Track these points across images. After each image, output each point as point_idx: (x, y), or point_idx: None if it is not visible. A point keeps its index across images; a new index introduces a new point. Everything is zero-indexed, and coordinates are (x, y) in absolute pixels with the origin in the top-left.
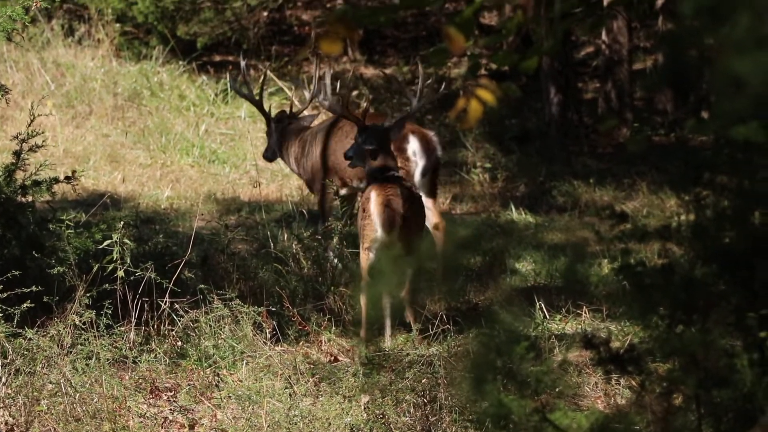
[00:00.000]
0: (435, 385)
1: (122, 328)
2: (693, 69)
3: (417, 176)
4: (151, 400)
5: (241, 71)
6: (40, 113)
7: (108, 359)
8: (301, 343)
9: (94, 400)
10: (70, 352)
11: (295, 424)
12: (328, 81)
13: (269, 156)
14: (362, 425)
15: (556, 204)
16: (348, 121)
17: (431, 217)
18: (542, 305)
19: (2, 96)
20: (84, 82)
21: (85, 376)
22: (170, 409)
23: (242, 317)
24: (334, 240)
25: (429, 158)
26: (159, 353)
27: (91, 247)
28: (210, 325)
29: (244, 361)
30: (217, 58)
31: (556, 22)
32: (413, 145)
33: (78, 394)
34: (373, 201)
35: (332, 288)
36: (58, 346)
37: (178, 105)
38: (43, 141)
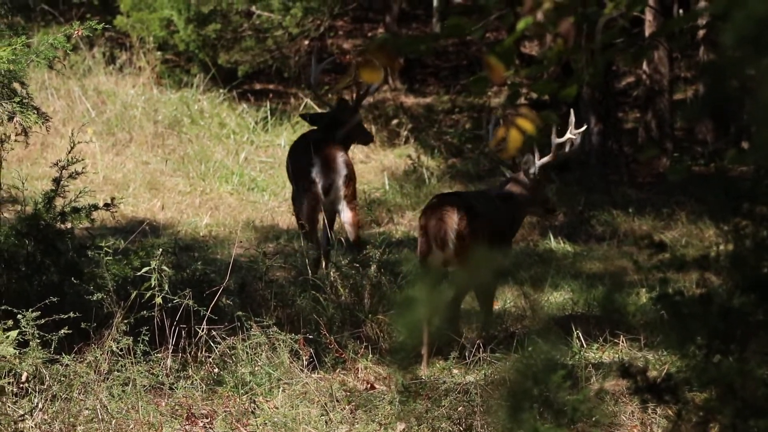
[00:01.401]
0: (471, 413)
1: (159, 355)
2: (734, 99)
3: (321, 194)
4: (187, 427)
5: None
6: (80, 140)
7: (144, 386)
8: (337, 371)
9: (131, 427)
10: (107, 379)
11: None
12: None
13: None
14: None
15: (594, 233)
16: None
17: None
18: (579, 334)
19: (43, 123)
20: (124, 110)
21: (122, 402)
22: None
23: (279, 344)
24: (372, 268)
25: (326, 178)
26: (195, 380)
27: (129, 274)
28: (247, 352)
29: (281, 388)
30: (258, 87)
31: (597, 53)
32: (317, 166)
33: (114, 421)
34: (427, 217)
35: (369, 316)
36: (94, 372)
37: (218, 133)
38: (83, 168)
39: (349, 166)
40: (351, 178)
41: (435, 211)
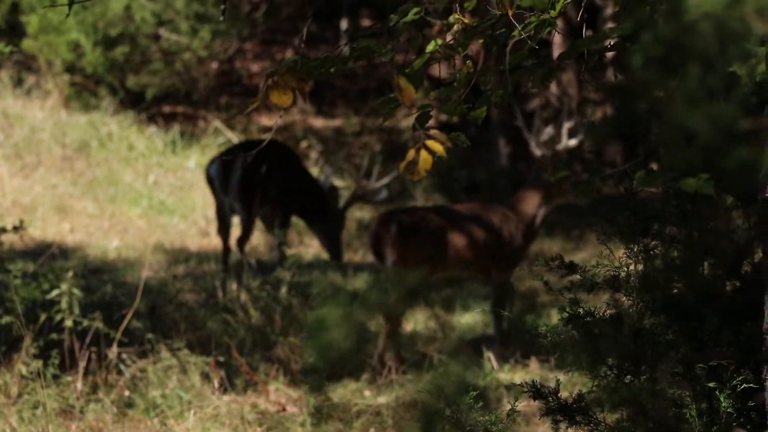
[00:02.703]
0: None
1: (69, 378)
2: (642, 121)
3: (219, 191)
4: None
5: None
6: None
7: (55, 409)
8: (249, 393)
9: None
10: (17, 402)
11: None
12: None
13: None
14: None
15: None
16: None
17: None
18: (491, 355)
19: None
20: (33, 133)
21: (32, 426)
22: None
23: (190, 367)
24: (282, 290)
25: (224, 178)
26: (106, 403)
27: (38, 297)
28: (158, 375)
29: (192, 411)
30: (167, 109)
31: (506, 75)
32: (214, 168)
33: None
34: (372, 226)
35: (280, 338)
36: (4, 395)
37: (127, 156)
38: None
39: (248, 172)
40: (248, 183)
41: (377, 224)
